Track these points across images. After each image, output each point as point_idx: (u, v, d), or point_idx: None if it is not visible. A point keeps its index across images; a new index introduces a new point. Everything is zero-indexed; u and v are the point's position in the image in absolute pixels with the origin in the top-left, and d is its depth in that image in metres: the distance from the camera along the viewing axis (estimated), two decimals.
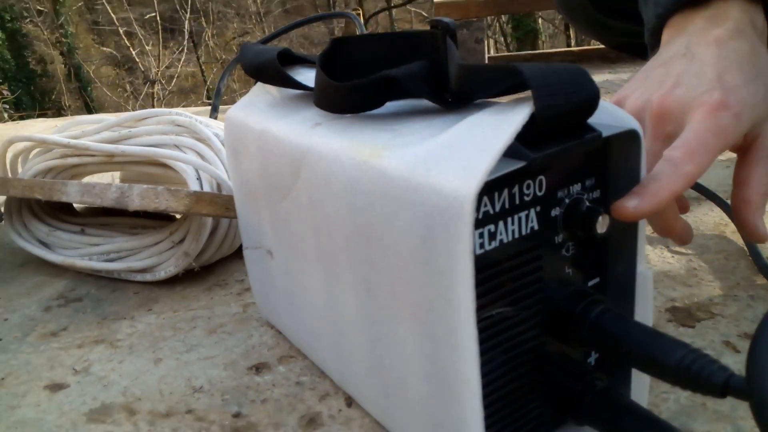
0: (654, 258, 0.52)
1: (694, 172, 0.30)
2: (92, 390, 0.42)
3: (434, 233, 0.25)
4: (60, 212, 0.67)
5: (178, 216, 0.64)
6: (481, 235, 0.26)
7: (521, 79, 0.24)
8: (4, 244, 0.72)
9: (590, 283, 0.32)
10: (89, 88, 8.75)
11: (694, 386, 0.25)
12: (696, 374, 0.25)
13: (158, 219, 0.64)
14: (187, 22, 7.20)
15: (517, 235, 0.27)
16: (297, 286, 0.39)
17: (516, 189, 0.27)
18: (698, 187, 0.62)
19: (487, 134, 0.24)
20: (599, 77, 1.45)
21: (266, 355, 0.44)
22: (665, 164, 0.30)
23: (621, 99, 0.38)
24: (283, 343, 0.45)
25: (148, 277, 0.57)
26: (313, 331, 0.39)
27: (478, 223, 0.26)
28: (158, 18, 6.84)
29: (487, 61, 1.62)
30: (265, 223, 0.40)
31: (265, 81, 0.40)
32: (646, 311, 0.31)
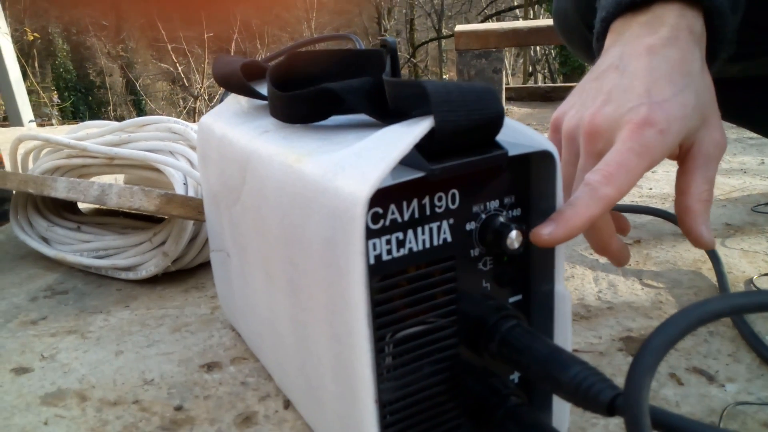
0: (623, 289, 0.52)
1: (612, 195, 0.30)
2: (52, 375, 0.44)
3: (336, 235, 0.26)
4: (63, 210, 0.71)
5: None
6: (389, 242, 0.27)
7: (425, 94, 0.26)
8: (12, 237, 0.75)
9: (512, 300, 0.32)
10: (143, 102, 9.11)
11: (584, 403, 0.25)
12: (585, 391, 0.25)
13: (150, 221, 0.67)
14: (234, 42, 7.44)
15: (428, 245, 0.28)
16: (247, 288, 0.40)
17: (426, 200, 0.28)
18: None
19: (390, 145, 0.26)
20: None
21: (221, 355, 0.45)
22: (583, 188, 0.31)
23: (560, 115, 0.38)
24: (239, 345, 0.46)
25: (131, 275, 0.59)
26: (260, 333, 0.40)
27: (385, 230, 0.27)
28: (205, 36, 7.09)
29: (504, 92, 1.64)
30: (224, 225, 0.42)
31: (231, 90, 0.42)
32: (565, 331, 0.32)
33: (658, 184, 0.84)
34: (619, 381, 0.40)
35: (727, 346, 0.42)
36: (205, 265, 0.62)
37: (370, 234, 0.26)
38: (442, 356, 0.30)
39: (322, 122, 0.35)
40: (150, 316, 0.52)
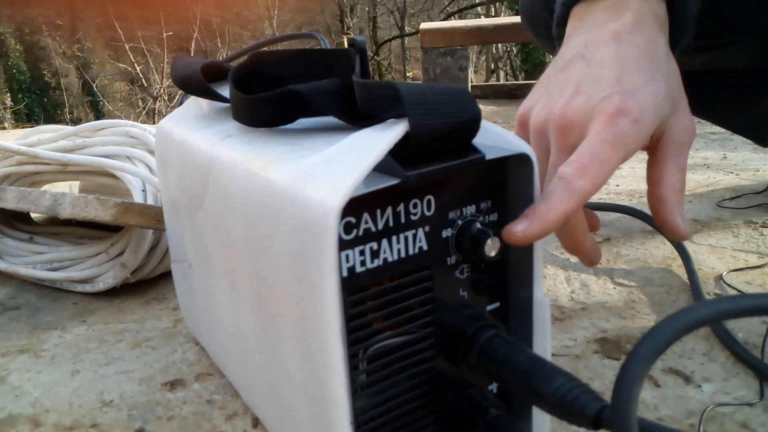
0: (595, 288, 0.52)
1: (587, 188, 0.29)
2: (3, 400, 0.41)
3: (306, 247, 0.24)
4: (14, 219, 0.67)
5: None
6: (362, 253, 0.26)
7: (398, 97, 0.24)
8: None
9: (490, 308, 0.31)
10: (101, 103, 8.86)
11: (569, 416, 0.24)
12: (570, 404, 0.24)
13: (107, 230, 0.64)
14: (193, 41, 7.30)
15: (403, 255, 0.27)
16: (211, 301, 0.38)
17: (401, 207, 0.26)
18: (651, 221, 0.62)
19: (362, 151, 0.24)
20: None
21: (184, 371, 0.43)
22: (557, 182, 0.29)
23: (526, 110, 0.37)
24: (204, 360, 0.44)
25: (87, 288, 0.56)
26: (225, 348, 0.38)
27: (358, 241, 0.25)
28: (164, 34, 6.94)
29: (470, 90, 1.62)
30: (185, 235, 0.40)
31: (191, 93, 0.40)
32: (544, 339, 0.31)
33: (625, 181, 0.85)
34: (597, 385, 0.39)
35: (701, 345, 0.42)
36: (167, 275, 0.59)
37: (342, 245, 0.25)
38: (419, 370, 0.29)
39: (289, 126, 0.34)
40: (108, 332, 0.49)
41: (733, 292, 0.49)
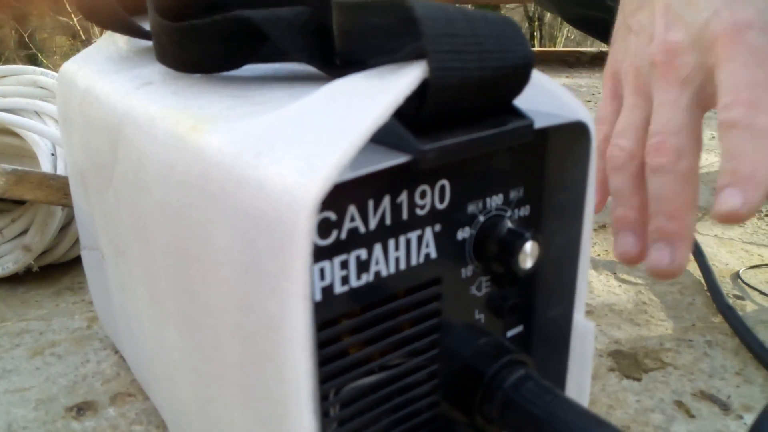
0: (598, 286, 0.45)
1: None
2: None
3: (259, 257, 0.15)
4: None
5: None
6: (345, 265, 0.17)
7: (411, 22, 0.15)
8: None
9: (510, 334, 0.23)
10: (39, 58, 8.34)
11: None
12: None
13: (14, 203, 0.52)
14: None
15: (403, 267, 0.18)
16: (129, 307, 0.29)
17: (403, 197, 0.18)
18: None
19: (352, 106, 0.15)
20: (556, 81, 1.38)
21: (98, 390, 0.33)
22: (732, 134, 0.22)
23: (615, 72, 0.30)
24: (124, 375, 0.35)
25: None
26: (148, 368, 0.29)
27: (340, 247, 0.17)
28: None
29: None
30: (96, 217, 0.30)
31: (104, 26, 0.30)
32: (582, 378, 0.23)
33: None
34: (619, 415, 0.32)
35: (731, 361, 0.36)
36: None
37: (317, 255, 0.16)
38: (416, 423, 0.21)
39: (234, 72, 0.24)
40: (4, 333, 0.39)
41: (755, 294, 0.43)
